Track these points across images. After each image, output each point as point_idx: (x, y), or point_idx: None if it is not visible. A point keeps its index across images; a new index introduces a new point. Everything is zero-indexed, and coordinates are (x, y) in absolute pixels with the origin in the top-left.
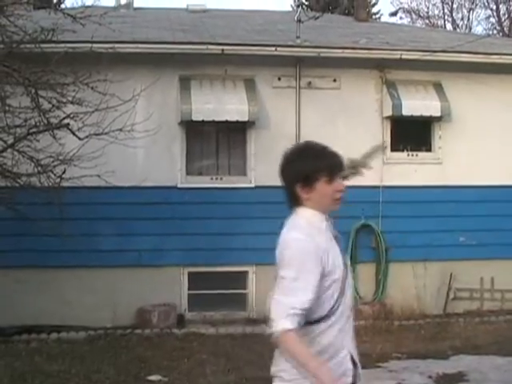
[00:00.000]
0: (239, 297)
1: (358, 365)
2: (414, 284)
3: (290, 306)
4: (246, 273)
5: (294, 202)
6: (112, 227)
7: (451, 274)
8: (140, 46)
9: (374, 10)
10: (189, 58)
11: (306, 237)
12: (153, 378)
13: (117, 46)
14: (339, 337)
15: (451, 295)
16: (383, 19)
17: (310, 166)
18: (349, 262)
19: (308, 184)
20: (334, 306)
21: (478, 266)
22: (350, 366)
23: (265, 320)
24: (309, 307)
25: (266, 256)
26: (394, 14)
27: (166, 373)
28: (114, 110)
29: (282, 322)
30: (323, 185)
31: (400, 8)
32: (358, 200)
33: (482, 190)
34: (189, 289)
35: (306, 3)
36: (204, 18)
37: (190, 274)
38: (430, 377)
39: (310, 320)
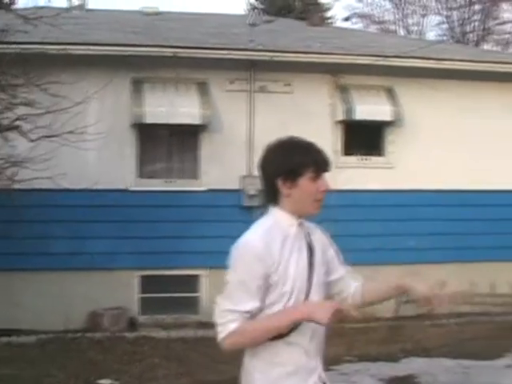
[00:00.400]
0: (191, 300)
1: None
2: None
3: (230, 310)
4: (198, 276)
5: (271, 198)
6: (64, 230)
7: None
8: (92, 48)
9: (328, 14)
10: (141, 61)
11: (259, 241)
12: (103, 381)
13: (69, 47)
14: (305, 360)
15: (403, 298)
16: (337, 24)
17: (295, 159)
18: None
19: (291, 179)
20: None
21: (429, 270)
22: None
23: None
24: (251, 311)
25: (219, 259)
26: (347, 19)
27: (116, 376)
28: (65, 112)
29: (225, 327)
30: (307, 182)
31: (353, 13)
32: None
33: (434, 195)
34: (141, 292)
35: (261, 7)
36: (157, 20)
37: (142, 277)
38: (381, 379)
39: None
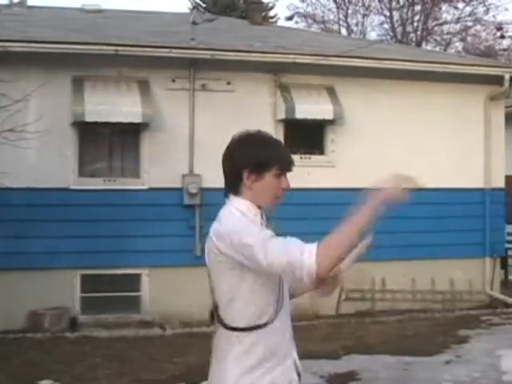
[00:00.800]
0: (133, 299)
1: (301, 375)
2: None
3: (289, 243)
4: (139, 275)
5: (233, 189)
6: (4, 229)
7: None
8: (32, 45)
9: (271, 13)
10: (82, 59)
11: (243, 219)
12: (44, 382)
13: (8, 44)
14: (284, 342)
15: (343, 296)
16: (280, 23)
17: (265, 153)
18: None
19: (257, 172)
20: (277, 307)
21: (369, 267)
22: (295, 376)
23: (159, 322)
24: None
25: (160, 258)
26: (290, 18)
27: (57, 377)
28: (4, 110)
29: (306, 248)
30: (271, 177)
31: (296, 12)
32: None
33: None
34: (82, 291)
35: (204, 6)
36: (99, 18)
37: (83, 276)
38: (322, 376)
39: (256, 324)
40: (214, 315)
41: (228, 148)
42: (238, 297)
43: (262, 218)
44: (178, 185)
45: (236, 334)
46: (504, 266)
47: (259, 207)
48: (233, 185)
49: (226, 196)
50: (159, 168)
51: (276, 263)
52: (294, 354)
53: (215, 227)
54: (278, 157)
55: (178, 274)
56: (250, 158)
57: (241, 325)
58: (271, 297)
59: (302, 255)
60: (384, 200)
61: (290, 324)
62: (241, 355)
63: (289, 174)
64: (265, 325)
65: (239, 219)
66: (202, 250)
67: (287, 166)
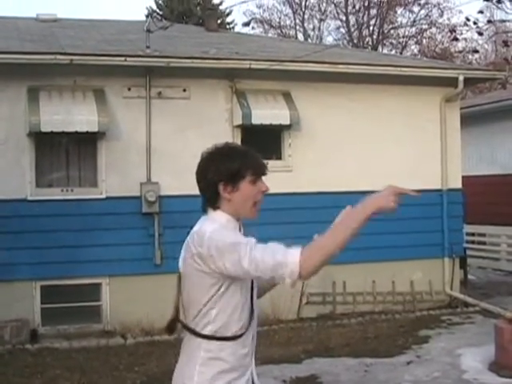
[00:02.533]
0: (93, 309)
1: None
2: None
3: (273, 246)
4: (99, 285)
5: (212, 204)
6: None
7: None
8: None
9: (228, 20)
10: (37, 69)
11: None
12: None
13: None
14: (249, 354)
15: (304, 300)
16: (237, 29)
17: (236, 164)
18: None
19: (232, 183)
20: (250, 319)
21: (330, 271)
22: None
23: (120, 331)
24: None
25: (119, 267)
26: (246, 24)
27: None
28: None
29: (290, 250)
30: (247, 185)
31: (252, 18)
32: None
33: (332, 197)
34: (42, 303)
35: (160, 13)
36: (54, 27)
37: (42, 287)
38: (284, 381)
39: (217, 334)
40: (175, 321)
41: (199, 166)
42: (212, 305)
43: (240, 230)
44: (136, 193)
45: (205, 341)
46: (463, 265)
47: (237, 219)
48: (211, 200)
49: (204, 211)
50: (117, 177)
51: (261, 266)
52: (253, 364)
53: (195, 235)
54: (248, 164)
55: (138, 283)
56: (221, 171)
57: (211, 333)
58: (244, 311)
59: (287, 258)
60: (377, 209)
61: (255, 335)
62: (209, 362)
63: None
64: (234, 337)
65: (221, 226)
66: (162, 258)
67: (260, 170)
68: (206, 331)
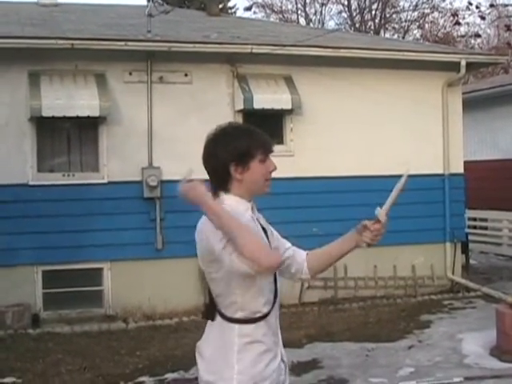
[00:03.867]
0: (95, 294)
1: (287, 363)
2: None
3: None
4: (101, 269)
5: (222, 185)
6: None
7: None
8: None
9: (230, 4)
10: (38, 53)
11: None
12: (6, 380)
13: None
14: (276, 334)
15: (306, 285)
16: (238, 14)
17: (244, 143)
18: None
19: (243, 163)
20: (272, 306)
21: None
22: (283, 366)
23: (121, 316)
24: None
25: (121, 252)
26: (248, 8)
27: (20, 374)
28: None
29: (276, 253)
30: (257, 164)
31: (254, 3)
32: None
33: (333, 181)
34: (43, 287)
35: None
36: (55, 12)
37: (44, 272)
38: None
39: (247, 316)
40: (208, 307)
41: (206, 148)
42: (234, 291)
43: (252, 211)
44: (137, 178)
45: (238, 326)
46: (465, 250)
47: (249, 200)
48: (222, 182)
49: (216, 194)
50: (118, 161)
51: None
52: (280, 343)
53: (198, 225)
54: (256, 143)
55: (140, 267)
56: (231, 152)
57: (241, 317)
58: (268, 292)
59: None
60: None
61: (278, 314)
62: (246, 346)
63: None
64: (262, 317)
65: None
66: (163, 243)
67: (268, 148)
68: (238, 315)
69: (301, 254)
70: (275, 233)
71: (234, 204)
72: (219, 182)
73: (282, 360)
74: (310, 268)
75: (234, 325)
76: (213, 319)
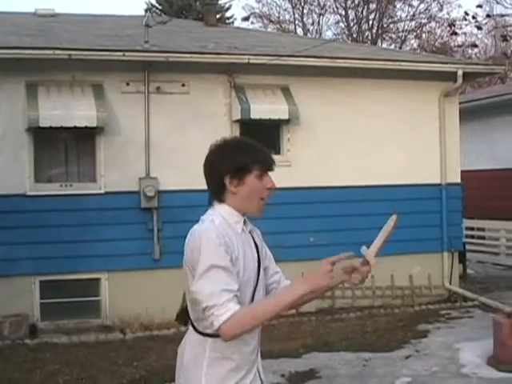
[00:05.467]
0: (92, 304)
1: (264, 381)
2: None
3: (225, 290)
4: (98, 280)
5: (218, 197)
6: None
7: (302, 274)
8: None
9: (227, 14)
10: (36, 64)
11: (219, 231)
12: None
13: None
14: (254, 350)
15: None
16: (236, 24)
17: (242, 157)
18: (262, 273)
19: (238, 176)
20: None
21: None
22: (259, 383)
23: (119, 326)
24: (238, 292)
25: (118, 262)
26: (246, 18)
27: None
28: None
29: (226, 308)
30: (254, 179)
31: (252, 13)
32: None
33: (331, 191)
34: (41, 298)
35: (160, 8)
36: (52, 22)
37: (41, 282)
38: (282, 375)
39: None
40: (181, 317)
41: (207, 158)
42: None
43: (244, 225)
44: (134, 188)
45: (210, 339)
46: (462, 260)
47: (243, 214)
48: (217, 193)
49: (210, 204)
50: (116, 172)
51: (198, 297)
52: (259, 360)
53: (194, 227)
54: (255, 158)
55: (137, 278)
56: (229, 164)
57: (212, 332)
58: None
59: (213, 311)
60: (311, 289)
61: (259, 332)
62: (216, 362)
63: None
64: None
65: (217, 225)
66: (161, 253)
67: (267, 165)
68: (207, 331)
69: (285, 283)
70: (269, 253)
71: (225, 213)
72: (215, 192)
73: (260, 378)
74: None
75: (207, 338)
76: (185, 325)
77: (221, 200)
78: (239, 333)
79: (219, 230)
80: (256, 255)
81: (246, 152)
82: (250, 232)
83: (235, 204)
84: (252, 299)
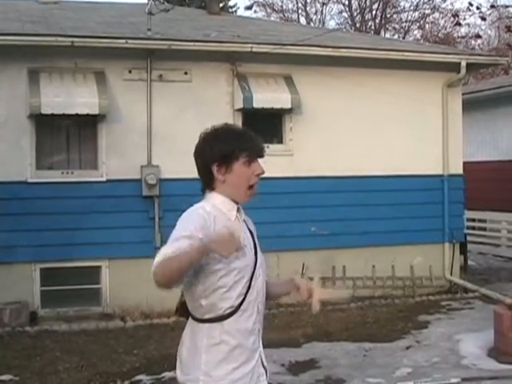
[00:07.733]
0: (93, 292)
1: (267, 369)
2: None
3: (165, 251)
4: (99, 267)
5: (208, 185)
6: None
7: (304, 264)
8: None
9: (230, 3)
10: (38, 51)
11: (203, 211)
12: (3, 377)
13: None
14: (253, 336)
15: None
16: (239, 13)
17: (228, 145)
18: (262, 258)
19: (225, 164)
20: (241, 300)
21: (329, 255)
22: (262, 371)
23: (119, 314)
24: None
25: (119, 250)
26: (249, 7)
27: (17, 372)
28: None
29: (159, 255)
30: (241, 166)
31: (255, 2)
32: None
33: (332, 181)
34: (41, 285)
35: None
36: (55, 9)
37: (42, 270)
38: (282, 365)
39: (214, 315)
40: (181, 311)
41: (196, 147)
42: (198, 295)
43: (238, 212)
44: (136, 176)
45: (208, 326)
46: (463, 251)
47: (236, 202)
48: (207, 181)
49: (203, 192)
50: (117, 159)
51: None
52: (261, 348)
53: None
54: (243, 145)
55: (138, 266)
56: (215, 153)
57: (210, 317)
58: (235, 290)
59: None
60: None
61: (260, 319)
62: (213, 348)
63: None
64: (229, 315)
65: (190, 215)
66: (162, 241)
67: (255, 152)
68: (206, 317)
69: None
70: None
71: (218, 202)
72: (205, 180)
73: (263, 365)
74: None
75: (204, 325)
76: (186, 318)
77: (211, 188)
78: (160, 274)
79: (205, 215)
80: (252, 242)
81: (234, 139)
82: (244, 220)
83: (225, 191)
84: (249, 286)
